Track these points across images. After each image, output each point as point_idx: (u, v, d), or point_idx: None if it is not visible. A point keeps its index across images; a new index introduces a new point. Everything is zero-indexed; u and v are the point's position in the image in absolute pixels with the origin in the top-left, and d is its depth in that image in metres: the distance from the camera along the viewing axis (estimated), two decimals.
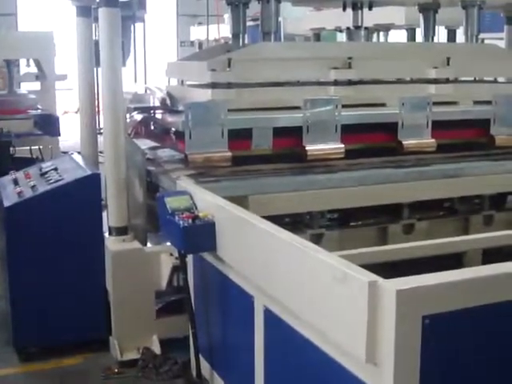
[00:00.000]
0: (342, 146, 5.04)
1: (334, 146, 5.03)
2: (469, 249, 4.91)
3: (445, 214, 5.67)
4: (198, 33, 16.97)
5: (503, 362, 2.75)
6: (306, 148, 4.95)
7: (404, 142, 5.26)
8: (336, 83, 5.43)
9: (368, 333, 2.57)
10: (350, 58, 5.42)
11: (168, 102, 5.30)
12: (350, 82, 5.49)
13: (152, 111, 5.63)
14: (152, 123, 5.62)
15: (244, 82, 5.26)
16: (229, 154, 4.76)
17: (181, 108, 4.98)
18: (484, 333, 2.68)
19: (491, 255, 4.77)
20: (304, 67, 5.40)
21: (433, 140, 5.33)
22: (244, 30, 5.73)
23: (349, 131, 5.10)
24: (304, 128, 4.94)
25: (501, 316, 2.69)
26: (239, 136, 4.87)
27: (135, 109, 5.65)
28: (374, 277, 2.60)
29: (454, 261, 4.73)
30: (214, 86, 5.07)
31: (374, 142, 5.36)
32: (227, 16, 5.86)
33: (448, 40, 9.64)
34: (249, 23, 6.36)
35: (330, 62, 5.43)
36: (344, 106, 5.11)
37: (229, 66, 5.06)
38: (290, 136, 5.02)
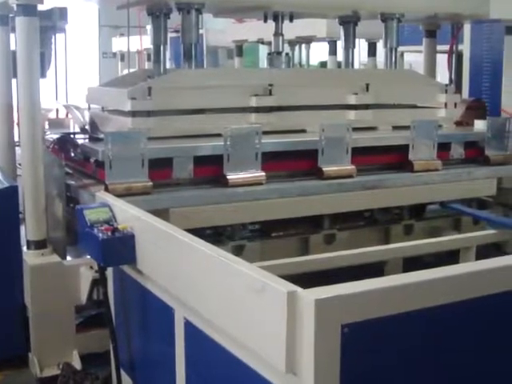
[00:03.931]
0: (263, 173, 5.03)
1: (254, 174, 5.01)
2: (389, 258, 4.98)
3: (365, 224, 5.73)
4: (119, 44, 16.86)
5: (424, 370, 2.77)
6: (227, 177, 4.92)
7: (324, 169, 5.25)
8: (257, 110, 5.48)
9: (287, 343, 2.55)
10: (270, 85, 5.49)
11: (88, 128, 5.22)
12: (271, 109, 5.53)
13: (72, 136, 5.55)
14: (71, 149, 5.51)
15: (164, 109, 5.24)
16: (150, 183, 4.71)
17: (101, 136, 4.92)
18: (404, 340, 2.69)
19: (411, 264, 4.85)
20: (225, 94, 5.43)
21: (353, 166, 5.35)
22: (165, 41, 5.70)
23: (270, 158, 5.12)
24: (225, 156, 4.90)
25: (420, 323, 2.71)
26: (160, 165, 4.83)
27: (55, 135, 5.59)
28: (292, 287, 2.59)
29: (375, 270, 4.79)
30: (133, 114, 5.05)
31: (294, 168, 5.36)
32: (149, 27, 5.81)
33: (368, 52, 9.80)
34: (171, 34, 6.33)
35: (251, 88, 5.49)
36: (265, 133, 5.11)
37: (149, 94, 5.05)
38: (212, 164, 4.99)
